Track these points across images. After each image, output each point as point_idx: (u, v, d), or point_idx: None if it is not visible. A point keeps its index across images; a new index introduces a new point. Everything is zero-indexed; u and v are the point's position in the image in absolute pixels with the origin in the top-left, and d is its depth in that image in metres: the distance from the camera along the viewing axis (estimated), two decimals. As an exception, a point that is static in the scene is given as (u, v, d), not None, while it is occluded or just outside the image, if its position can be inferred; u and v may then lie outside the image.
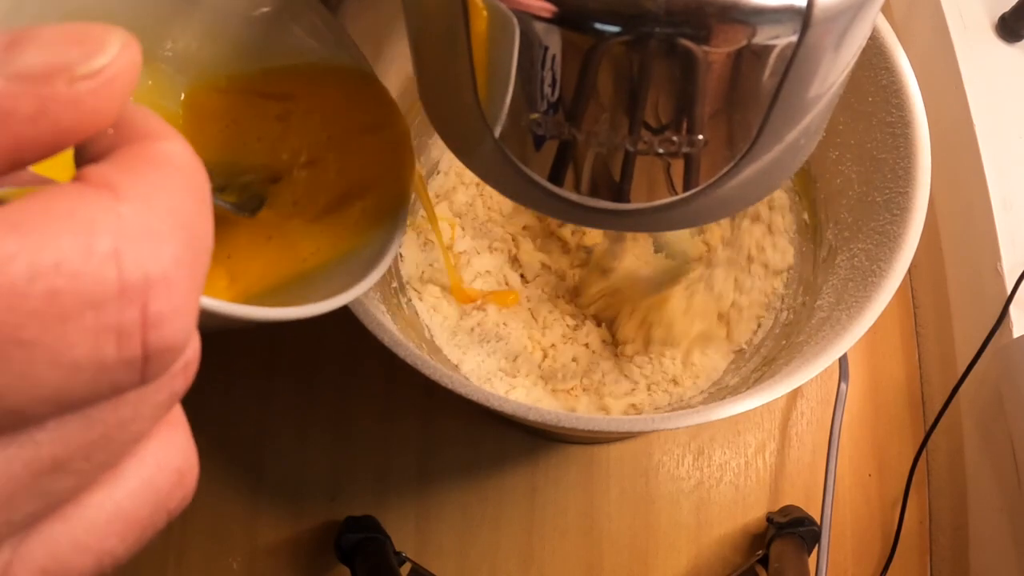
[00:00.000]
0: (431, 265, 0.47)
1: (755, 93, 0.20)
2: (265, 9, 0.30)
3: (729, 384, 0.45)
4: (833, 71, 0.21)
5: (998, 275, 0.45)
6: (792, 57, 0.19)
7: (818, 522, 0.46)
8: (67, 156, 0.12)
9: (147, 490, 0.12)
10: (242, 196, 0.30)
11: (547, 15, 0.19)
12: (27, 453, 0.10)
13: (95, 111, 0.11)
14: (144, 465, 0.12)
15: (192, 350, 0.12)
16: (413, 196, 0.34)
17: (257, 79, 0.31)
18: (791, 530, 0.46)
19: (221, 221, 0.27)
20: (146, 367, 0.10)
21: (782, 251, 0.48)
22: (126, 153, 0.11)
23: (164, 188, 0.11)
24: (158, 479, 0.12)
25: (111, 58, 0.11)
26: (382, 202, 0.31)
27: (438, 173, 0.50)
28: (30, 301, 0.09)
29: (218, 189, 0.29)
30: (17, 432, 0.10)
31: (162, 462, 0.12)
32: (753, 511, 0.50)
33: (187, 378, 0.12)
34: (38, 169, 0.15)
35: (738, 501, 0.51)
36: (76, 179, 0.11)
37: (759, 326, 0.47)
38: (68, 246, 0.09)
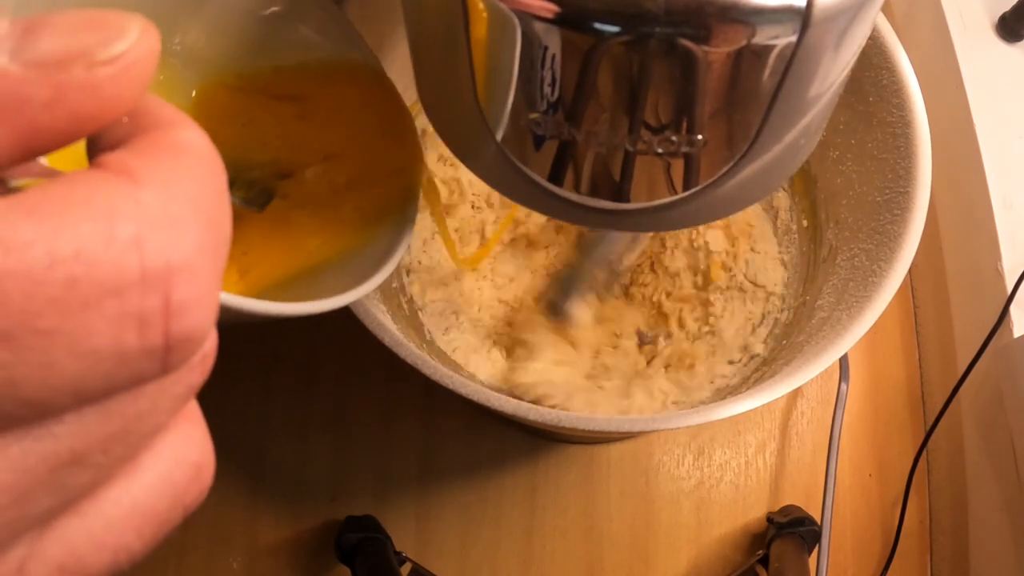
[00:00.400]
0: (432, 267, 0.47)
1: (755, 93, 0.20)
2: (275, 8, 0.31)
3: (729, 384, 0.45)
4: (833, 71, 0.21)
5: (998, 275, 0.45)
6: (791, 57, 0.19)
7: (818, 522, 0.46)
8: (76, 150, 0.12)
9: (164, 484, 0.12)
10: (250, 191, 0.30)
11: (547, 15, 0.19)
12: (44, 446, 0.10)
13: (114, 98, 0.10)
14: (161, 459, 0.12)
15: (210, 342, 0.12)
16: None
17: (268, 78, 0.31)
18: (791, 530, 0.46)
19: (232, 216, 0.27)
20: (167, 357, 0.10)
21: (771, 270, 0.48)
22: (143, 141, 0.11)
23: (184, 175, 0.11)
24: (175, 473, 0.12)
25: (130, 44, 0.10)
26: (390, 199, 0.31)
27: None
28: (49, 288, 0.09)
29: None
30: (34, 425, 0.10)
31: (179, 456, 0.12)
32: (753, 511, 0.50)
33: (204, 370, 0.12)
34: (48, 161, 0.15)
35: (738, 501, 0.51)
36: (94, 166, 0.10)
37: (761, 325, 0.47)
38: (88, 232, 0.09)
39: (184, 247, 0.10)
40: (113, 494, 0.11)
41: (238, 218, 0.29)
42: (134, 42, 0.10)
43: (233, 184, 0.29)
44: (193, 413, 0.13)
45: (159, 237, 0.10)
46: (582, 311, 0.46)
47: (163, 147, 0.11)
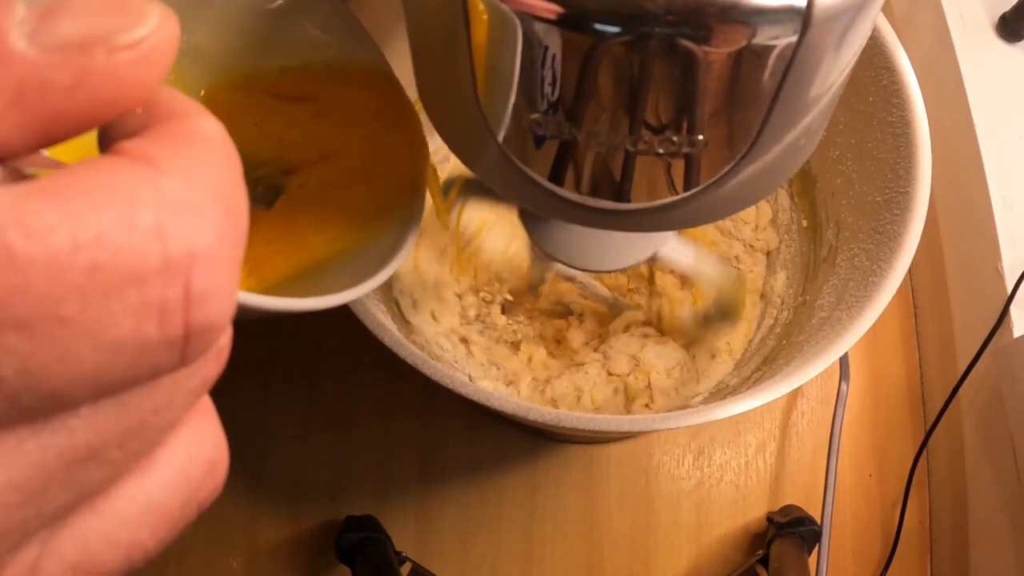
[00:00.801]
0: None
1: (755, 93, 0.20)
2: (280, 1, 0.30)
3: (729, 384, 0.45)
4: (833, 71, 0.21)
5: (998, 275, 0.45)
6: (792, 57, 0.19)
7: (818, 522, 0.46)
8: (79, 144, 0.11)
9: (179, 480, 0.12)
10: (256, 188, 0.30)
11: (548, 16, 0.19)
12: (60, 441, 0.10)
13: (134, 84, 0.10)
14: (176, 455, 0.12)
15: (225, 336, 0.11)
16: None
17: (275, 78, 0.31)
18: (791, 530, 0.46)
19: None
20: (186, 348, 0.10)
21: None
22: (160, 130, 0.11)
23: (202, 163, 0.10)
24: (190, 469, 0.12)
25: (151, 29, 0.10)
26: (395, 197, 0.31)
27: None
28: (72, 275, 0.09)
29: None
30: (50, 419, 0.10)
31: (193, 452, 0.12)
32: (753, 511, 0.50)
33: (220, 364, 0.12)
34: (53, 154, 0.15)
35: (738, 501, 0.51)
36: (111, 152, 0.10)
37: (758, 326, 0.47)
38: (110, 218, 0.09)
39: (205, 235, 0.10)
40: (127, 491, 0.11)
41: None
42: (155, 28, 0.10)
43: None
44: (206, 408, 0.13)
45: (181, 225, 0.10)
46: None
47: (181, 135, 0.11)
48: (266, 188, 0.30)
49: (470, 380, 0.45)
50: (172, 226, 0.09)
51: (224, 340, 0.11)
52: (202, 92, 0.30)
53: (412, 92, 0.30)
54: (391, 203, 0.31)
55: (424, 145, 0.32)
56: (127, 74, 0.10)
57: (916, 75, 0.37)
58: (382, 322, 0.33)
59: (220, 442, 0.13)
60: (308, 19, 0.31)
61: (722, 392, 0.45)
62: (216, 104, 0.30)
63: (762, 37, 0.18)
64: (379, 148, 0.31)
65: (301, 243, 0.30)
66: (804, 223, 0.47)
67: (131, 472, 0.11)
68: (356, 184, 0.31)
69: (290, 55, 0.31)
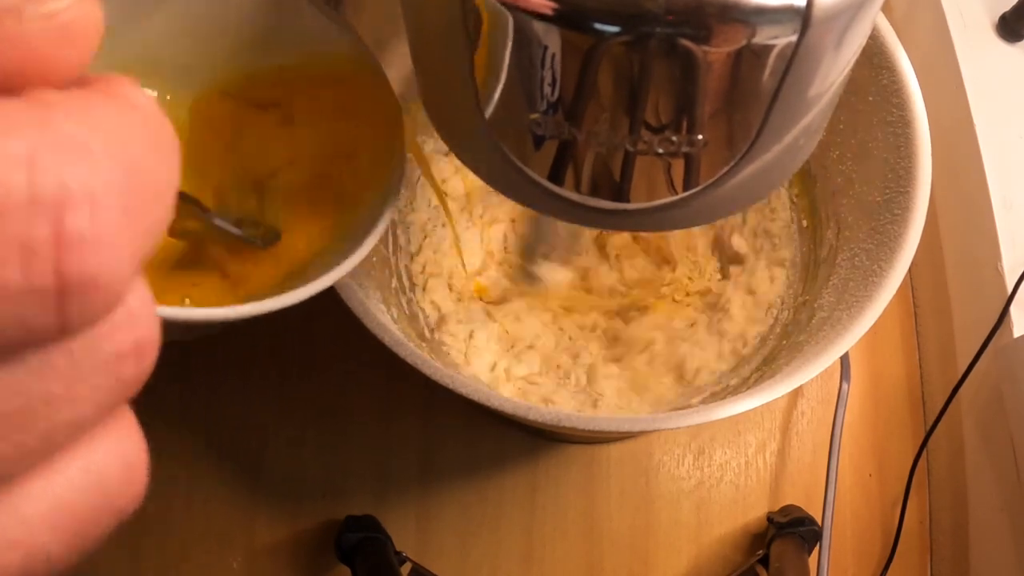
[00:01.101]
0: (434, 252, 0.47)
1: (755, 93, 0.20)
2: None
3: (729, 384, 0.45)
4: (833, 70, 0.21)
5: (998, 274, 0.45)
6: (792, 57, 0.19)
7: (818, 522, 0.46)
8: None
9: (90, 482, 0.11)
10: (257, 229, 0.30)
11: (547, 14, 0.19)
12: None
13: (48, 57, 0.10)
14: (89, 454, 0.11)
15: (146, 330, 0.10)
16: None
17: (258, 83, 0.31)
18: (791, 530, 0.46)
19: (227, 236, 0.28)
20: (63, 303, 0.09)
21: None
22: (77, 85, 0.10)
23: (111, 117, 0.10)
24: (105, 469, 0.11)
25: (66, 4, 0.10)
26: (374, 184, 0.31)
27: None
28: None
29: (235, 222, 0.29)
30: None
31: (111, 450, 0.11)
32: (753, 511, 0.50)
33: (139, 364, 0.11)
34: None
35: (738, 501, 0.51)
36: (9, 95, 0.09)
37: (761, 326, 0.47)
38: None
39: (89, 176, 0.09)
40: (30, 489, 0.10)
41: (238, 241, 0.29)
42: (70, 3, 0.10)
43: (241, 223, 0.29)
44: (125, 415, 0.12)
45: (58, 160, 0.09)
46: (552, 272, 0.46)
47: (97, 91, 0.10)
48: (267, 230, 0.30)
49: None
50: (47, 160, 0.09)
51: (143, 334, 0.10)
52: (189, 105, 0.30)
53: (407, 99, 0.30)
54: (370, 192, 0.31)
55: (399, 123, 0.31)
56: (39, 45, 0.10)
57: (916, 75, 0.37)
58: (382, 322, 0.33)
59: (139, 445, 0.12)
60: (286, 17, 0.30)
61: (722, 392, 0.45)
62: (203, 115, 0.30)
63: (762, 37, 0.18)
64: (355, 140, 0.31)
65: (284, 250, 0.30)
66: (804, 223, 0.47)
67: (35, 470, 0.10)
68: (335, 182, 0.31)
69: (271, 56, 0.31)
